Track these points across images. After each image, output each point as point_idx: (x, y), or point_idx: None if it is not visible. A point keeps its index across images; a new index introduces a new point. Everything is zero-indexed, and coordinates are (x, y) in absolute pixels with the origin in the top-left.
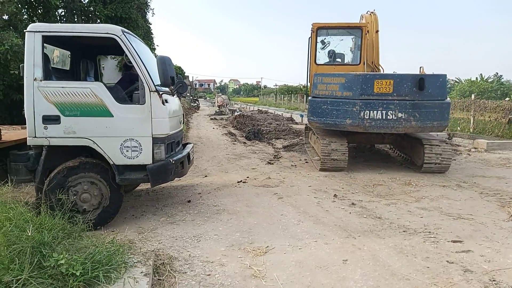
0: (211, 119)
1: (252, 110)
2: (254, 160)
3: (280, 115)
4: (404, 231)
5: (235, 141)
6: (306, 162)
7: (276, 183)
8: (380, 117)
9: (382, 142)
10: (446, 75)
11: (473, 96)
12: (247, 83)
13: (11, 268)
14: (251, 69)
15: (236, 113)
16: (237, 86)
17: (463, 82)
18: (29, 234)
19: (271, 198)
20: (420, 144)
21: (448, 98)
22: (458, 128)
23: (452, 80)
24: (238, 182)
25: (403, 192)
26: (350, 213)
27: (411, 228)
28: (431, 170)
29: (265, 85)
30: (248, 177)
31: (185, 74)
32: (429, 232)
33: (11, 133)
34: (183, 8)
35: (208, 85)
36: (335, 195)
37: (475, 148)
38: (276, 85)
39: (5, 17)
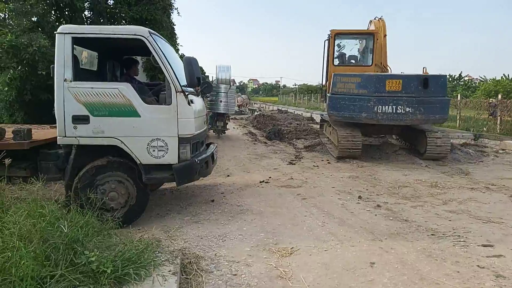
0: (231, 118)
1: (272, 110)
2: (275, 160)
3: (300, 115)
4: (432, 235)
5: (256, 141)
6: (329, 162)
7: (299, 184)
8: (391, 111)
9: (390, 133)
10: (446, 75)
11: (499, 96)
12: (266, 83)
13: (45, 265)
14: (270, 69)
15: (256, 113)
16: (256, 86)
17: (488, 81)
18: (65, 232)
19: (295, 199)
20: (423, 135)
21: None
22: (484, 129)
23: (477, 79)
24: (260, 182)
25: (429, 194)
26: (375, 215)
27: (440, 232)
28: (432, 157)
29: (284, 84)
30: (270, 177)
31: (205, 74)
32: (459, 235)
33: (40, 133)
34: (202, 7)
35: None
36: (359, 197)
37: (502, 149)
38: (295, 85)
39: (34, 18)
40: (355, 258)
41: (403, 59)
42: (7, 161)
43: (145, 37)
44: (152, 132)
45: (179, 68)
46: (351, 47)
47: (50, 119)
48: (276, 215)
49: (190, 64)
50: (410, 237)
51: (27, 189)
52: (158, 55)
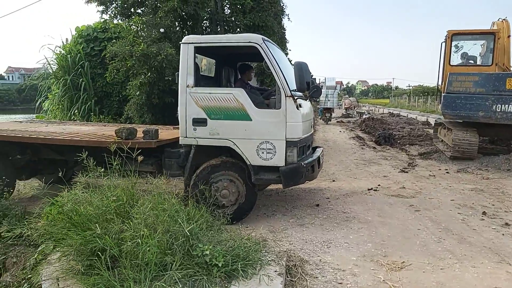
0: (338, 122)
1: (382, 113)
2: (385, 167)
3: (414, 119)
4: None
5: (364, 145)
6: (447, 172)
7: (411, 194)
8: (511, 110)
9: (510, 135)
10: None
11: None
12: (376, 84)
13: (167, 253)
14: (381, 70)
15: (364, 116)
16: (365, 88)
17: None
18: (188, 227)
19: (407, 210)
20: None
21: None
22: None
23: None
24: (368, 189)
25: None
26: (503, 234)
27: None
28: None
29: (397, 86)
30: (379, 185)
31: (313, 77)
32: None
33: (165, 133)
34: (309, 8)
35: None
36: (484, 213)
37: None
38: (409, 86)
39: (162, 30)
40: (477, 280)
41: None
42: (140, 158)
43: (258, 44)
44: (262, 135)
45: (289, 73)
46: (469, 48)
47: (171, 120)
48: (385, 225)
49: (301, 69)
50: None
51: (154, 183)
52: (270, 61)
